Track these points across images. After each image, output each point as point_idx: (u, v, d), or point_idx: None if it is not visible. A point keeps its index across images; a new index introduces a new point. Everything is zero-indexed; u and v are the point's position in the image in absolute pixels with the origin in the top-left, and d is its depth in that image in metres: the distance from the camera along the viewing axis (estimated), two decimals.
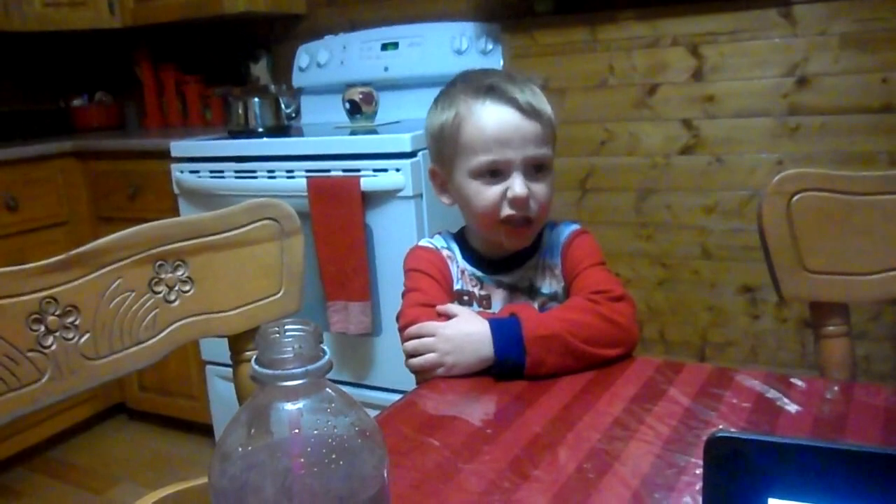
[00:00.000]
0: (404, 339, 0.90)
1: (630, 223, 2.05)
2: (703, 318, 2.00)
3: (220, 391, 2.21)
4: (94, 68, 3.09)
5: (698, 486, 0.59)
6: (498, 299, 0.99)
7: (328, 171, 1.84)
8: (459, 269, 1.01)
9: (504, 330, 0.84)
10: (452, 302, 0.97)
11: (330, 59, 2.40)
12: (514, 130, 0.91)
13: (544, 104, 0.94)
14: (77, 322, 0.81)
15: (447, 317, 0.89)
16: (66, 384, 0.80)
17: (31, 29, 2.53)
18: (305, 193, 1.82)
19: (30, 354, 0.77)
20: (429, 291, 0.94)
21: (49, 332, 0.78)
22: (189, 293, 0.91)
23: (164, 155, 2.14)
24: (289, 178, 1.89)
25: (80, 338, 0.81)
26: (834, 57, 1.75)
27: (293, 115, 2.36)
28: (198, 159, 2.07)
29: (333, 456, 0.40)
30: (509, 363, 0.83)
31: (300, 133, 2.19)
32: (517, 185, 0.91)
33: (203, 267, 0.92)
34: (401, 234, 1.78)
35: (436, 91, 1.03)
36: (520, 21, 2.11)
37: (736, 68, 1.86)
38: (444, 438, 0.71)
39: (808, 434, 0.68)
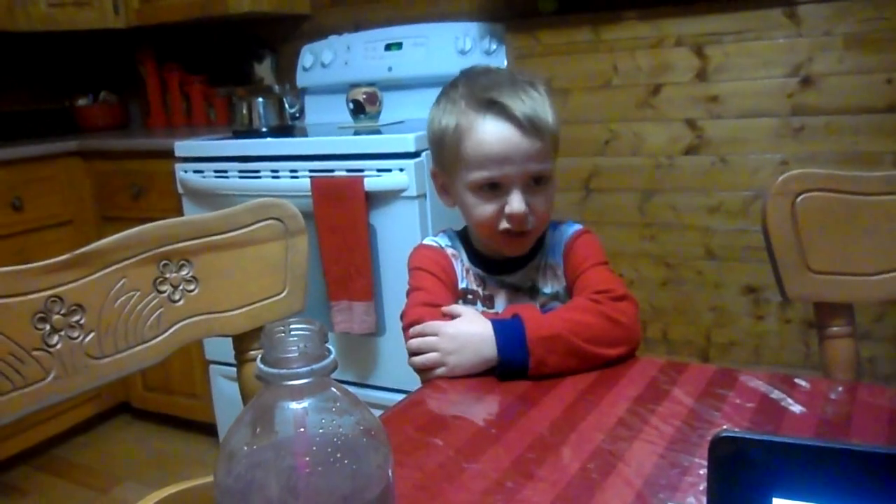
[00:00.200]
0: (408, 338, 0.90)
1: (634, 223, 2.04)
2: (707, 318, 2.00)
3: (224, 391, 2.21)
4: (99, 68, 3.10)
5: (702, 486, 0.59)
6: (501, 299, 0.99)
7: (332, 171, 1.84)
8: (464, 267, 1.01)
9: (507, 330, 0.84)
10: (457, 300, 0.97)
11: (334, 59, 2.40)
12: (514, 148, 0.91)
13: (547, 114, 0.93)
14: (82, 321, 0.81)
15: (451, 317, 0.89)
16: (71, 383, 0.80)
17: (35, 29, 2.54)
18: (309, 193, 1.82)
19: (35, 353, 0.77)
20: (433, 290, 0.94)
21: (54, 331, 0.79)
22: (193, 293, 0.91)
23: (169, 155, 2.14)
24: (293, 178, 1.90)
25: (85, 337, 0.81)
26: (838, 57, 1.75)
27: (297, 115, 2.36)
28: (202, 159, 2.07)
29: (338, 455, 0.40)
30: (512, 363, 0.83)
31: (304, 133, 2.20)
32: (515, 202, 0.91)
33: (207, 266, 0.92)
34: (404, 234, 1.78)
35: (439, 91, 1.03)
36: (523, 21, 2.11)
37: (740, 68, 1.85)
38: (447, 438, 0.71)
39: (812, 434, 0.68)
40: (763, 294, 1.91)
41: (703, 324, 2.01)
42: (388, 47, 2.31)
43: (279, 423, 0.41)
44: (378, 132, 1.98)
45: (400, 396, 0.86)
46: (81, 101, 2.97)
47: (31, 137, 2.65)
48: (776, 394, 0.76)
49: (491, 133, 0.91)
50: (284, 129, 2.22)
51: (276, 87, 2.29)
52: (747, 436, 0.31)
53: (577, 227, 1.03)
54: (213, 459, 0.41)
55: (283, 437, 0.41)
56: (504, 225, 0.93)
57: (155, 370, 2.32)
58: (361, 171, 1.80)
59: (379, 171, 1.78)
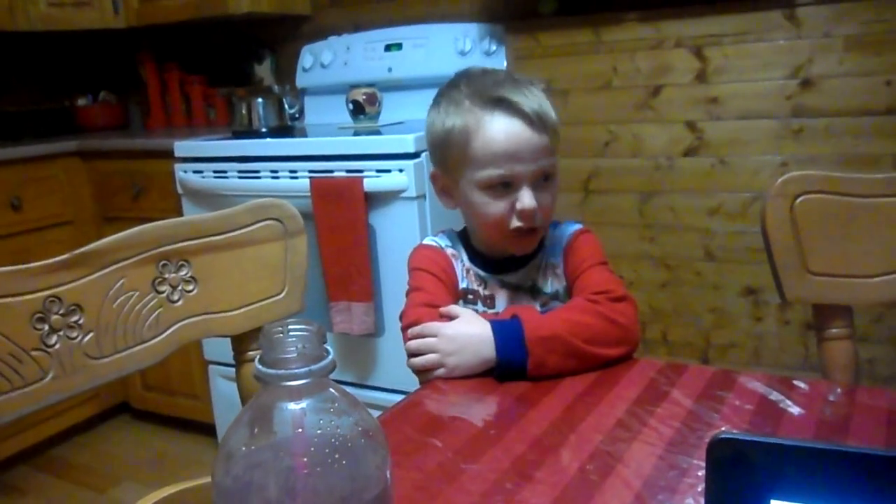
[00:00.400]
0: (407, 339, 0.90)
1: (633, 225, 2.05)
2: (706, 319, 2.00)
3: (223, 391, 2.21)
4: (99, 68, 3.10)
5: (700, 487, 0.59)
6: (502, 299, 0.99)
7: (331, 171, 1.84)
8: (465, 268, 1.01)
9: (506, 331, 0.84)
10: (456, 301, 0.97)
11: (333, 59, 2.40)
12: (524, 144, 0.90)
13: (550, 110, 0.93)
14: (81, 321, 0.81)
15: (449, 318, 0.89)
16: (70, 383, 0.80)
17: (35, 29, 2.54)
18: (309, 194, 1.82)
19: (34, 353, 0.77)
20: (432, 291, 0.94)
21: (53, 331, 0.79)
22: (192, 293, 0.91)
23: (168, 155, 2.14)
24: (292, 178, 1.90)
25: (83, 337, 0.81)
26: (838, 59, 1.75)
27: (297, 115, 2.36)
28: (201, 159, 2.07)
29: (336, 456, 0.40)
30: (511, 364, 0.83)
31: (304, 133, 2.20)
32: (526, 198, 0.91)
33: (206, 267, 0.92)
34: (404, 234, 1.78)
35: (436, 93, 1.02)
36: (523, 22, 2.11)
37: (740, 70, 1.85)
38: (446, 439, 0.71)
39: (810, 436, 0.68)
40: (762, 296, 1.91)
41: (703, 325, 2.01)
42: (388, 48, 2.31)
43: (277, 423, 0.41)
44: (378, 133, 1.98)
45: (399, 397, 0.86)
46: (81, 101, 2.96)
47: (31, 137, 2.65)
48: (775, 395, 0.76)
49: (500, 130, 0.91)
50: (284, 130, 2.22)
51: (276, 88, 2.29)
52: (745, 437, 0.31)
53: (577, 226, 1.03)
54: (212, 460, 0.41)
55: (282, 437, 0.41)
56: (514, 223, 0.93)
57: (154, 370, 2.32)
58: (361, 171, 1.80)
59: (378, 171, 1.78)
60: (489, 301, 0.99)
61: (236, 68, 2.72)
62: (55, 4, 2.55)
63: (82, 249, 0.82)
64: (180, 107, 2.87)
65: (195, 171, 2.07)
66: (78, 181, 2.45)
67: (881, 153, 1.74)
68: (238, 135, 2.20)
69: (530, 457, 0.67)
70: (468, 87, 0.95)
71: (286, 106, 2.26)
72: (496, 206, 0.93)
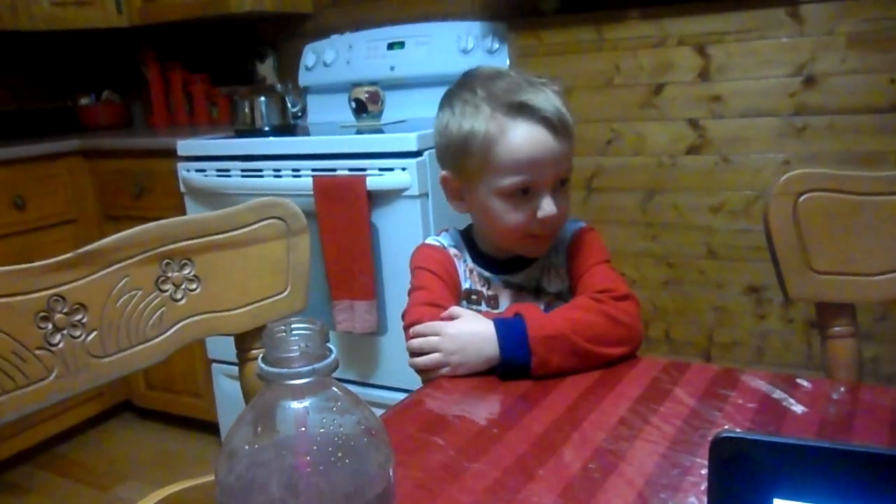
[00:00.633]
0: (409, 338, 0.90)
1: (636, 223, 2.04)
2: (709, 318, 2.00)
3: (226, 389, 2.21)
4: (102, 67, 3.10)
5: (703, 486, 0.59)
6: (505, 299, 0.99)
7: (334, 170, 1.84)
8: (468, 268, 1.00)
9: (509, 330, 0.84)
10: (460, 301, 0.97)
11: (336, 58, 2.40)
12: (547, 152, 0.90)
13: (569, 113, 0.93)
14: (84, 320, 0.81)
15: (451, 319, 0.88)
16: (74, 382, 0.80)
17: (38, 28, 2.54)
18: (311, 192, 1.82)
19: (37, 352, 0.77)
20: (435, 290, 0.94)
21: (56, 329, 0.79)
22: (195, 292, 0.91)
23: (171, 154, 2.14)
24: (295, 177, 1.90)
25: (87, 336, 0.81)
26: (841, 56, 1.75)
27: (299, 114, 2.36)
28: (204, 158, 2.07)
29: (339, 454, 0.40)
30: (514, 363, 0.83)
31: (306, 132, 2.20)
32: (548, 206, 0.91)
33: (209, 265, 0.92)
34: (407, 233, 1.78)
35: (442, 90, 1.01)
36: (526, 20, 2.11)
37: (743, 68, 1.85)
38: (449, 438, 0.71)
39: (813, 435, 0.68)
40: (765, 294, 1.91)
41: (706, 323, 2.01)
42: (391, 46, 2.31)
43: (280, 422, 0.41)
44: (380, 131, 1.98)
45: (401, 395, 0.86)
46: (84, 101, 2.97)
47: (34, 136, 2.66)
48: (778, 394, 0.76)
49: (524, 137, 0.90)
50: (287, 129, 2.22)
51: (279, 87, 2.29)
52: (748, 436, 0.31)
53: (580, 224, 1.02)
54: (214, 458, 0.41)
55: (285, 436, 0.41)
56: (533, 229, 0.93)
57: (157, 369, 2.32)
58: (363, 170, 1.80)
59: (381, 170, 1.78)
60: (493, 301, 0.99)
61: (239, 67, 2.72)
62: (58, 4, 2.55)
63: (86, 248, 0.82)
64: (183, 106, 2.87)
65: (198, 170, 2.07)
66: (81, 180, 2.45)
67: (885, 151, 1.74)
68: (241, 133, 2.20)
69: (533, 455, 0.67)
70: (484, 90, 0.93)
71: (289, 104, 2.26)
72: (516, 214, 0.92)
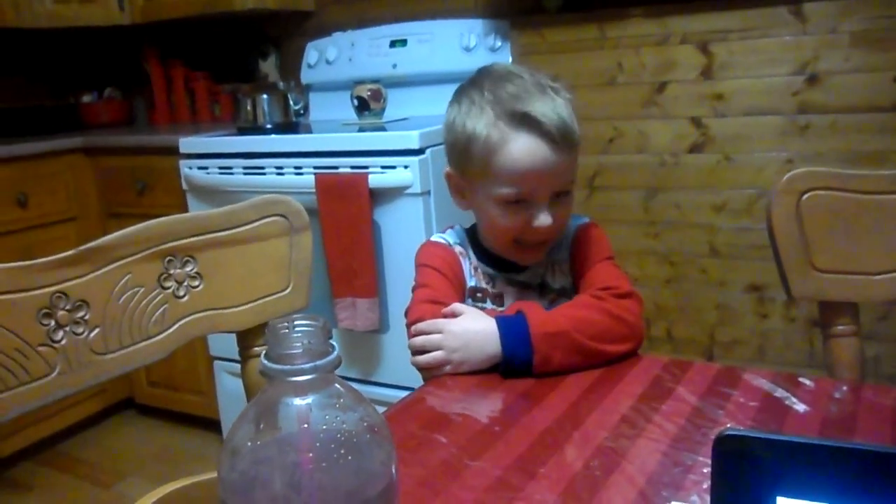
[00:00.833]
0: (411, 336, 0.89)
1: (638, 221, 2.04)
2: (711, 316, 2.00)
3: (228, 387, 2.22)
4: (104, 65, 3.10)
5: (705, 484, 0.59)
6: (510, 297, 0.99)
7: (336, 167, 1.84)
8: (472, 265, 1.00)
9: (511, 327, 0.84)
10: (464, 299, 0.97)
11: (338, 55, 2.40)
12: (546, 166, 0.89)
13: (574, 123, 0.92)
14: (87, 317, 0.81)
15: (454, 316, 0.88)
16: (76, 379, 0.80)
17: (41, 26, 2.54)
18: (313, 190, 1.82)
19: (40, 349, 0.77)
20: (438, 288, 0.94)
21: (59, 326, 0.79)
22: (198, 289, 0.91)
23: (173, 151, 2.14)
24: (297, 174, 1.90)
25: (89, 333, 0.81)
26: (844, 55, 1.74)
27: (301, 111, 2.36)
28: (206, 156, 2.07)
29: (342, 451, 0.40)
30: (517, 360, 0.83)
31: (308, 130, 2.20)
32: (543, 217, 0.91)
33: (212, 263, 0.92)
34: (409, 230, 1.78)
35: (444, 88, 1.01)
36: (528, 18, 2.11)
37: (745, 66, 1.85)
38: (451, 435, 0.71)
39: (816, 434, 0.68)
40: (768, 292, 1.91)
41: (708, 322, 2.00)
42: (393, 44, 2.31)
43: (283, 419, 0.41)
44: (382, 129, 1.98)
45: (404, 393, 0.86)
46: (86, 98, 2.97)
47: (36, 134, 2.66)
48: (780, 392, 0.76)
49: (524, 151, 0.89)
50: (289, 126, 2.23)
51: (281, 84, 2.29)
52: (751, 434, 0.31)
53: (584, 220, 1.02)
54: (216, 455, 0.41)
55: (287, 433, 0.41)
56: (527, 237, 0.93)
57: (159, 366, 2.32)
58: (366, 167, 1.80)
59: (383, 167, 1.78)
60: (498, 299, 0.99)
61: (241, 65, 2.72)
62: (61, 1, 2.55)
63: (88, 245, 0.82)
64: (185, 103, 2.87)
65: (200, 168, 2.07)
66: (83, 177, 2.45)
67: (888, 149, 1.74)
68: (243, 131, 2.20)
69: (534, 453, 0.67)
70: (492, 92, 0.92)
71: (291, 102, 2.26)
72: (510, 221, 0.92)
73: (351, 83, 2.19)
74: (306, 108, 2.48)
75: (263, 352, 0.41)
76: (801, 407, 0.73)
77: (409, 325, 0.91)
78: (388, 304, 1.85)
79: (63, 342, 0.79)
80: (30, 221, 2.29)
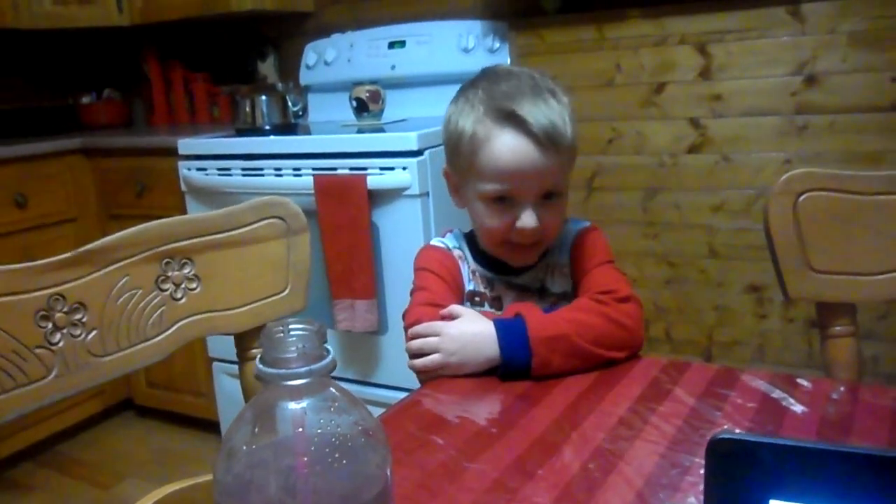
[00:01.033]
0: (409, 339, 0.89)
1: (637, 222, 2.04)
2: (710, 317, 2.00)
3: (227, 388, 2.22)
4: (103, 66, 3.10)
5: (703, 486, 0.59)
6: (509, 301, 0.98)
7: (335, 169, 1.84)
8: (471, 269, 1.00)
9: (509, 330, 0.84)
10: (463, 302, 0.97)
11: (337, 57, 2.40)
12: (529, 165, 0.89)
13: (566, 127, 0.91)
14: (84, 319, 0.81)
15: (452, 318, 0.88)
16: (74, 381, 0.81)
17: (40, 27, 2.54)
18: (312, 191, 1.82)
19: (37, 351, 0.77)
20: (436, 291, 0.94)
21: (57, 328, 0.79)
22: (196, 291, 0.91)
23: (172, 152, 2.14)
24: (296, 176, 1.90)
25: (87, 335, 0.82)
26: (842, 55, 1.74)
27: (300, 113, 2.36)
28: (205, 157, 2.07)
29: (337, 455, 0.40)
30: (515, 363, 0.83)
31: (307, 131, 2.20)
32: (526, 218, 0.90)
33: (210, 265, 0.92)
34: (407, 232, 1.78)
35: (443, 89, 1.02)
36: (527, 19, 2.11)
37: (744, 67, 1.85)
38: (448, 437, 0.71)
39: (813, 435, 0.68)
40: (766, 293, 1.91)
41: (707, 323, 2.01)
42: (392, 45, 2.31)
43: (278, 422, 0.41)
44: (381, 130, 1.98)
45: (402, 394, 0.86)
46: (85, 99, 2.97)
47: (35, 135, 2.66)
48: (778, 393, 0.76)
49: (507, 148, 0.89)
50: (287, 127, 2.23)
51: (280, 85, 2.29)
52: (745, 437, 0.31)
53: (585, 224, 1.02)
54: (215, 457, 0.41)
55: (282, 436, 0.41)
56: (513, 238, 0.93)
57: (158, 367, 2.31)
58: (364, 169, 1.80)
59: (382, 169, 1.78)
60: (496, 303, 0.99)
61: (240, 66, 2.72)
62: (60, 2, 2.55)
63: (86, 247, 0.82)
64: (184, 104, 2.87)
65: (199, 169, 2.07)
66: (82, 178, 2.45)
67: (886, 150, 1.74)
68: (242, 132, 2.20)
69: (532, 455, 0.67)
70: (486, 91, 0.93)
71: (290, 103, 2.26)
72: (496, 220, 0.92)
73: (349, 84, 2.19)
74: (305, 109, 2.48)
75: (259, 356, 0.41)
76: (798, 408, 0.73)
77: (406, 328, 0.91)
78: (386, 305, 1.85)
79: (61, 344, 0.79)
80: (29, 222, 2.29)
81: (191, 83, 2.84)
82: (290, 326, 0.41)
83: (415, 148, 1.76)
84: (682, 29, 1.90)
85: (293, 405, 0.41)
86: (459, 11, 2.29)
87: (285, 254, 0.97)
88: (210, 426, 2.39)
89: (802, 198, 0.92)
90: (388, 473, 0.42)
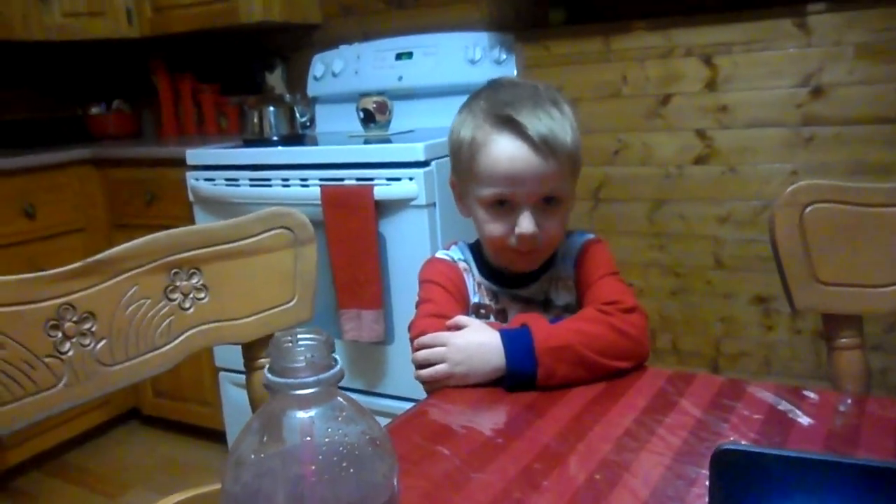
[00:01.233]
0: (415, 350, 0.90)
1: (643, 233, 2.04)
2: (717, 328, 1.99)
3: (234, 398, 2.22)
4: (112, 77, 3.13)
5: (709, 498, 0.59)
6: (514, 313, 0.98)
7: (342, 179, 1.85)
8: (476, 282, 1.01)
9: (515, 340, 0.84)
10: (468, 315, 0.97)
11: (344, 68, 2.42)
12: (525, 168, 0.89)
13: (565, 135, 0.91)
14: (93, 329, 0.82)
15: (457, 329, 0.89)
16: (82, 390, 0.81)
17: (50, 38, 2.56)
18: (319, 202, 1.83)
19: (47, 360, 0.78)
20: (441, 303, 0.94)
21: (66, 338, 0.79)
22: (203, 301, 0.92)
23: (180, 163, 2.16)
24: (303, 186, 1.91)
25: (96, 344, 0.82)
26: (848, 67, 1.75)
27: (308, 123, 2.37)
28: (213, 167, 2.09)
29: (344, 464, 0.41)
30: (521, 374, 0.83)
31: (314, 142, 2.21)
32: (525, 222, 0.91)
33: (217, 275, 0.92)
34: (414, 242, 1.78)
35: (450, 100, 1.03)
36: (533, 31, 2.12)
37: (750, 78, 1.85)
38: (454, 448, 0.71)
39: (820, 447, 0.68)
40: (773, 304, 1.90)
41: (713, 334, 2.00)
42: (399, 57, 2.32)
43: (286, 431, 0.42)
44: (388, 141, 1.98)
45: (408, 405, 0.86)
46: (94, 110, 2.99)
47: (45, 146, 2.68)
48: (784, 405, 0.75)
49: (503, 151, 0.90)
50: (295, 138, 2.24)
51: (287, 97, 2.31)
52: (748, 449, 0.31)
53: (588, 236, 1.03)
54: (222, 466, 0.42)
55: (290, 445, 0.42)
56: (513, 243, 0.93)
57: (165, 377, 2.31)
58: (371, 179, 1.80)
59: (389, 179, 1.79)
60: (501, 315, 0.99)
61: (248, 77, 2.74)
62: (70, 14, 2.58)
63: (95, 258, 0.83)
64: (192, 115, 2.89)
65: (207, 179, 2.08)
66: (91, 189, 2.47)
67: (893, 161, 1.74)
68: (249, 143, 2.21)
69: (538, 466, 0.67)
70: (486, 100, 0.95)
71: (297, 114, 2.27)
72: (496, 225, 0.93)
73: (357, 95, 2.20)
74: (312, 120, 2.49)
75: (267, 365, 0.41)
76: (805, 420, 0.72)
77: (412, 340, 0.91)
78: (393, 315, 1.86)
79: (70, 353, 0.80)
80: (38, 233, 2.30)
81: (199, 94, 2.86)
82: (298, 336, 0.42)
83: (422, 159, 1.76)
84: (688, 41, 1.91)
85: (301, 414, 0.41)
86: (466, 23, 2.30)
87: (292, 264, 0.98)
88: (216, 436, 2.39)
89: (808, 210, 0.92)
90: (395, 483, 0.42)
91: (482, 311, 0.99)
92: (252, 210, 0.97)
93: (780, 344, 1.92)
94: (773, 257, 0.96)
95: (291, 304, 0.98)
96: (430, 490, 0.64)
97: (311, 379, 0.40)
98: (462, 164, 0.96)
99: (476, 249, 1.03)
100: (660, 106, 1.96)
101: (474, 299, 0.99)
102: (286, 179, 1.94)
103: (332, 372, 0.41)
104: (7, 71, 2.83)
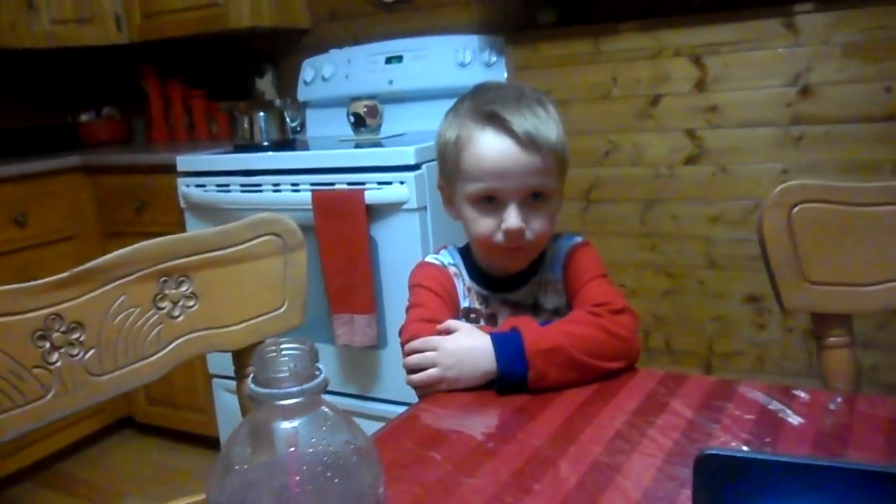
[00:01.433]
0: (405, 354, 0.90)
1: (635, 234, 2.05)
2: (709, 327, 2.00)
3: (228, 404, 2.21)
4: (102, 84, 3.12)
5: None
6: (504, 317, 0.99)
7: (333, 184, 1.85)
8: (466, 286, 1.01)
9: (506, 343, 0.84)
10: (458, 319, 0.97)
11: (334, 72, 2.42)
12: (511, 162, 0.90)
13: (549, 131, 0.92)
14: (82, 338, 0.81)
15: (448, 333, 0.89)
16: (72, 400, 0.81)
17: (39, 46, 2.56)
18: (310, 207, 1.82)
19: (35, 371, 0.78)
20: (431, 307, 0.94)
21: (54, 348, 0.79)
22: (193, 308, 0.91)
23: (171, 169, 2.15)
24: (294, 191, 1.90)
25: (85, 354, 0.82)
26: (837, 66, 1.75)
27: (298, 128, 2.37)
28: (204, 173, 2.08)
29: (329, 474, 0.40)
30: (512, 377, 0.83)
31: (305, 147, 2.20)
32: (511, 217, 0.91)
33: (207, 282, 0.92)
34: (405, 246, 1.78)
35: (440, 103, 1.03)
36: (523, 33, 2.12)
37: (739, 78, 1.86)
38: (445, 452, 0.71)
39: (810, 446, 0.68)
40: (765, 303, 1.91)
41: (706, 333, 2.00)
42: (389, 60, 2.32)
43: (270, 442, 0.42)
44: (379, 145, 1.98)
45: (401, 409, 0.86)
46: (84, 117, 2.98)
47: (35, 153, 2.67)
48: (775, 405, 0.76)
49: (488, 146, 0.91)
50: (285, 143, 2.23)
51: (278, 101, 2.30)
52: (731, 453, 0.31)
53: (576, 239, 1.03)
54: (207, 477, 0.42)
55: (275, 456, 0.42)
56: (501, 240, 0.93)
57: (158, 384, 2.30)
58: (362, 183, 1.80)
59: (380, 183, 1.79)
60: (491, 320, 0.99)
61: (238, 82, 2.74)
62: (59, 21, 2.57)
63: (83, 267, 0.82)
64: (183, 121, 2.89)
65: (198, 185, 2.08)
66: (81, 196, 2.46)
67: (882, 159, 1.74)
68: (240, 149, 2.21)
69: (529, 469, 0.67)
70: (472, 100, 0.96)
71: (288, 119, 2.27)
72: (483, 222, 0.93)
73: (347, 100, 2.20)
74: (303, 124, 2.49)
75: (251, 375, 0.41)
76: (795, 419, 0.73)
77: (403, 345, 0.91)
78: (385, 319, 1.85)
79: (58, 364, 0.79)
80: (28, 241, 2.29)
81: (189, 100, 2.85)
82: (282, 346, 0.42)
83: (412, 162, 1.76)
84: (677, 41, 1.91)
85: (285, 424, 0.41)
86: (456, 26, 2.30)
87: (282, 270, 0.98)
88: (211, 443, 2.38)
89: (796, 209, 0.93)
90: (381, 492, 0.42)
91: (472, 315, 0.99)
92: (243, 216, 0.97)
93: (773, 342, 1.92)
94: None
95: (282, 310, 0.98)
96: (422, 495, 0.63)
97: (294, 389, 0.40)
98: (448, 163, 0.96)
99: (466, 254, 1.03)
100: (650, 107, 1.97)
101: (464, 303, 0.99)
102: (277, 185, 1.94)
103: (315, 382, 0.41)
104: None
